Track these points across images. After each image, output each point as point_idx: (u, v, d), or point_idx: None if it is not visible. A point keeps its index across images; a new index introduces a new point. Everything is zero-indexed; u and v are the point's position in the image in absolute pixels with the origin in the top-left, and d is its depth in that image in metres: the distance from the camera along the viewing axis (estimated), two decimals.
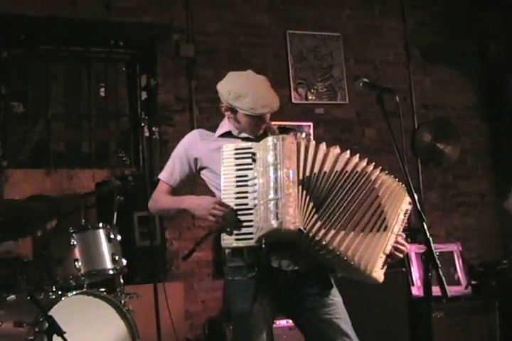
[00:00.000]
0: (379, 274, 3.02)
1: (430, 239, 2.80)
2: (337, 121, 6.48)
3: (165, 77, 5.98)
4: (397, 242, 3.09)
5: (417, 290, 5.53)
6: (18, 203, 4.51)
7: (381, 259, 3.02)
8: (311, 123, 6.31)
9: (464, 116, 6.95)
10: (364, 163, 3.13)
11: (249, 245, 3.03)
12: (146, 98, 6.02)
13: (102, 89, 6.18)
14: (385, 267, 3.05)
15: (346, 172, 3.08)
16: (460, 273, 5.86)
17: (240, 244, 3.04)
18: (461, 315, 5.58)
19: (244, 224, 3.03)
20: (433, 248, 2.76)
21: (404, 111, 6.54)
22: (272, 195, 2.96)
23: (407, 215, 3.13)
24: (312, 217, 2.97)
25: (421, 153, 6.69)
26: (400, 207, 3.11)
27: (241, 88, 3.20)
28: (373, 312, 5.16)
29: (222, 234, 3.06)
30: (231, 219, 3.04)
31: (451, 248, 5.97)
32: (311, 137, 5.95)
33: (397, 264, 5.63)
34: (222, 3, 6.21)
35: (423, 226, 2.84)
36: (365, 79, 3.17)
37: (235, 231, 3.03)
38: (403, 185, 3.09)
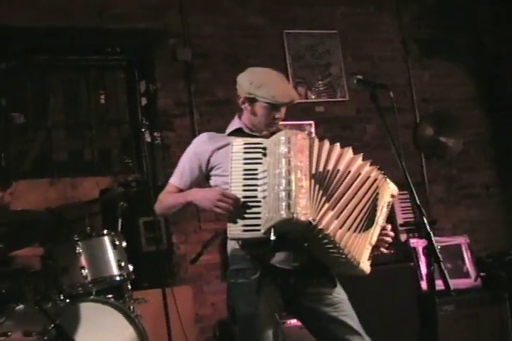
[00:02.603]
0: (366, 265, 3.05)
1: (431, 232, 2.82)
2: (338, 119, 6.47)
3: (163, 81, 5.99)
4: (382, 234, 3.13)
5: (425, 285, 5.51)
6: (23, 214, 4.51)
7: (367, 250, 3.05)
8: (312, 122, 6.31)
9: (465, 108, 6.93)
10: (367, 165, 3.16)
11: (256, 236, 2.98)
12: (146, 104, 6.03)
13: (102, 97, 6.20)
14: (371, 259, 3.08)
15: (349, 172, 3.11)
16: (468, 265, 5.84)
17: (247, 235, 3.00)
18: (471, 308, 5.56)
19: (252, 216, 2.99)
20: (434, 241, 2.77)
21: (405, 105, 6.57)
22: (283, 186, 2.93)
23: (389, 207, 3.16)
24: (323, 211, 2.97)
25: (424, 146, 6.68)
26: (384, 200, 3.13)
27: (263, 78, 3.30)
28: (382, 307, 5.15)
29: (228, 225, 3.02)
30: (238, 210, 3.00)
31: (459, 240, 5.94)
32: (314, 136, 5.95)
33: (405, 259, 5.67)
34: (216, 7, 6.20)
35: (423, 220, 2.86)
36: (359, 76, 3.21)
37: (243, 223, 2.99)
38: (387, 178, 3.15)
